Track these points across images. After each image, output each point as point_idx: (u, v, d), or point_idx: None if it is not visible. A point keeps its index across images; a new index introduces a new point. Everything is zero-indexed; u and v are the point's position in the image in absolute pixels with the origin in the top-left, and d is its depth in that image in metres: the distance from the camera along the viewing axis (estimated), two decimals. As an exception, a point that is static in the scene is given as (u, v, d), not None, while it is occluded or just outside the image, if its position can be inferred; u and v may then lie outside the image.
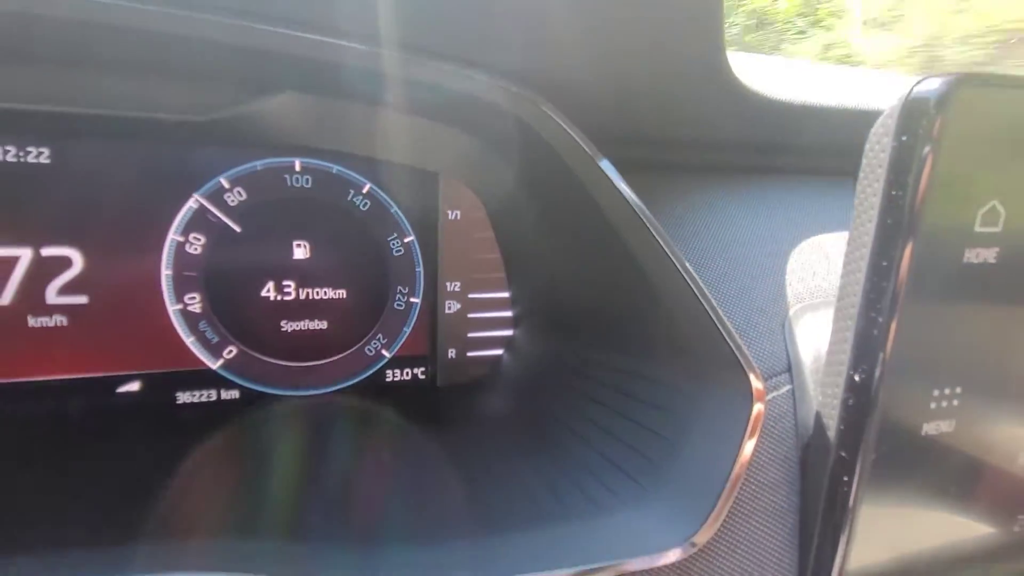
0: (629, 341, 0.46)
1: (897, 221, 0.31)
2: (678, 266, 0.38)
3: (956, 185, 0.31)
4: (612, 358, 0.48)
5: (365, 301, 0.53)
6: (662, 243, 0.38)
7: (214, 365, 0.50)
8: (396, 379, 0.56)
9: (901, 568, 0.38)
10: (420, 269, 0.54)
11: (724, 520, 0.37)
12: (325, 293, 0.52)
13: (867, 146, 0.33)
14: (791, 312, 0.44)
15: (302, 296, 0.51)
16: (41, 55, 0.39)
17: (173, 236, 0.47)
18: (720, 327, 0.37)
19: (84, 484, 0.40)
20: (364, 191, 0.51)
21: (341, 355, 0.53)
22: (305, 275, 0.51)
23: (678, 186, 0.52)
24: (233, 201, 0.48)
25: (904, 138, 0.31)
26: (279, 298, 0.50)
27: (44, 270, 0.45)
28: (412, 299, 0.54)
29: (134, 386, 0.48)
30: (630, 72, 0.44)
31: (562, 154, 0.41)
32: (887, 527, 0.37)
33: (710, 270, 0.45)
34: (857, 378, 0.34)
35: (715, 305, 0.38)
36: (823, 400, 0.37)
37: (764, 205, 0.52)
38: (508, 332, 0.58)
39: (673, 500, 0.38)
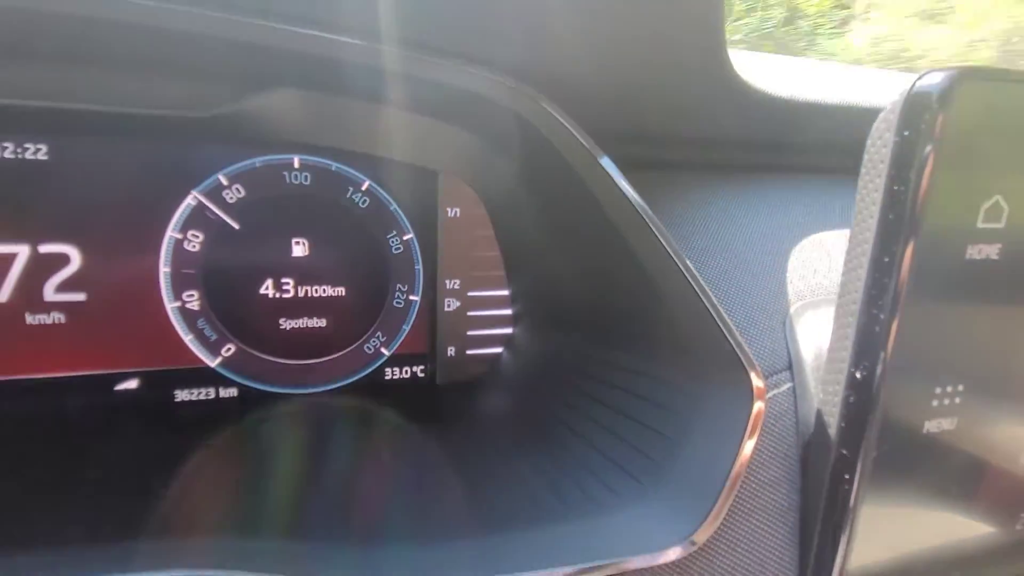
0: (629, 339, 0.46)
1: (899, 217, 0.31)
2: (679, 264, 0.38)
3: (958, 181, 0.31)
4: (612, 356, 0.48)
5: (364, 299, 0.53)
6: (663, 241, 0.38)
7: (212, 363, 0.50)
8: (395, 377, 0.55)
9: (902, 567, 0.38)
10: (419, 267, 0.54)
11: (724, 518, 0.37)
12: (324, 291, 0.52)
13: (869, 141, 0.33)
14: (792, 310, 0.44)
15: (301, 294, 0.51)
16: (39, 51, 0.39)
17: (171, 233, 0.47)
18: (721, 325, 0.37)
19: (82, 482, 0.40)
20: (363, 188, 0.51)
21: (340, 353, 0.53)
22: (304, 273, 0.51)
23: (679, 184, 0.52)
24: (232, 198, 0.48)
25: (906, 133, 0.31)
26: (278, 296, 0.50)
27: (42, 267, 0.44)
28: (411, 297, 0.54)
29: (132, 384, 0.48)
30: (631, 69, 0.44)
31: (562, 151, 0.41)
32: (888, 526, 0.36)
33: (711, 268, 0.45)
34: (858, 375, 0.34)
35: (716, 303, 0.37)
36: (824, 398, 0.37)
37: (765, 203, 0.51)
38: (508, 330, 0.57)
39: (673, 498, 0.38)
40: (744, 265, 0.46)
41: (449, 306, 0.55)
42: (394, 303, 0.54)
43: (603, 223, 0.41)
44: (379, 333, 0.54)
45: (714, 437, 0.38)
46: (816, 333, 0.41)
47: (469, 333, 0.56)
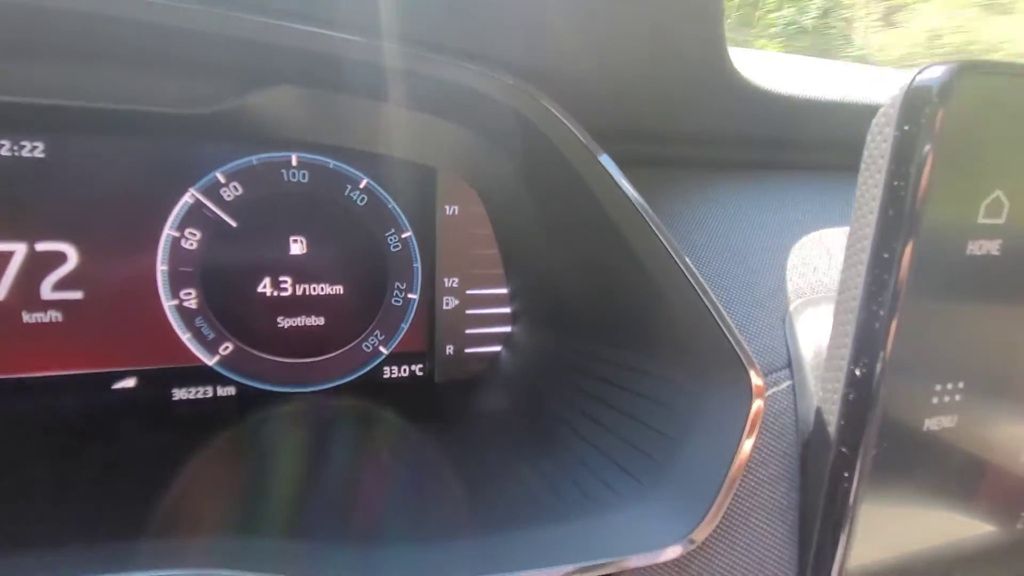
0: (628, 337, 0.46)
1: (899, 213, 0.31)
2: (678, 261, 0.37)
3: (959, 176, 0.31)
4: (611, 354, 0.47)
5: (362, 297, 0.53)
6: (662, 238, 0.38)
7: (210, 361, 0.49)
8: (394, 376, 0.55)
9: (902, 566, 0.38)
10: (418, 265, 0.54)
11: (723, 517, 0.37)
12: (322, 289, 0.51)
13: (869, 137, 0.33)
14: (791, 307, 0.43)
15: (299, 292, 0.51)
16: (37, 48, 0.38)
17: (169, 231, 0.47)
18: (720, 323, 0.37)
19: (80, 481, 0.40)
20: (361, 186, 0.51)
21: (338, 351, 0.53)
22: (302, 271, 0.51)
23: (678, 181, 0.52)
24: (229, 196, 0.48)
25: (906, 128, 0.31)
26: (276, 294, 0.50)
27: (38, 265, 0.44)
28: (410, 295, 0.54)
29: (130, 383, 0.48)
30: (630, 65, 0.43)
31: (561, 148, 0.41)
32: (888, 524, 0.36)
33: (710, 265, 0.45)
34: (858, 373, 0.33)
35: (715, 300, 0.37)
36: (824, 395, 0.37)
37: (765, 199, 0.51)
38: (506, 328, 0.57)
39: (672, 497, 0.38)
40: (744, 262, 0.46)
41: (448, 304, 0.55)
42: (392, 301, 0.54)
43: (602, 220, 0.41)
44: (377, 331, 0.54)
45: (713, 435, 0.38)
46: (816, 330, 0.41)
47: (468, 331, 0.56)
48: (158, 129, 0.45)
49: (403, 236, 0.53)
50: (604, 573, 0.34)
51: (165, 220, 0.47)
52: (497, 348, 0.57)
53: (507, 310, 0.57)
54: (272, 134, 0.47)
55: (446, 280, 0.55)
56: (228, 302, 0.49)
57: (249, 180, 0.48)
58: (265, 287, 0.50)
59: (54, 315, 0.45)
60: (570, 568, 0.34)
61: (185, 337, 0.49)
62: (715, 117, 0.51)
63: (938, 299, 0.32)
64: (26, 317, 0.45)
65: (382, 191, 0.52)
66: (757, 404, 0.36)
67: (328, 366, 0.53)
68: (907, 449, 0.34)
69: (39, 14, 0.33)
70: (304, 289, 0.51)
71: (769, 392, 0.40)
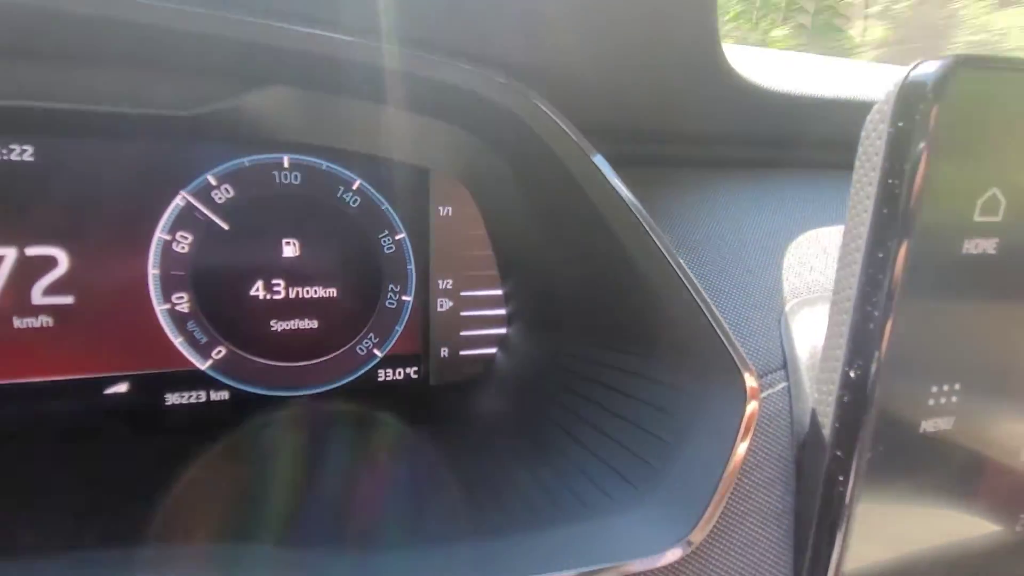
0: (623, 339, 0.45)
1: (893, 211, 0.30)
2: (671, 262, 0.37)
3: (954, 173, 0.30)
4: (606, 356, 0.47)
5: (356, 300, 0.53)
6: (655, 239, 0.37)
7: (203, 366, 0.49)
8: (388, 378, 0.55)
9: (898, 570, 0.37)
10: (412, 267, 0.53)
11: (718, 521, 0.36)
12: (315, 292, 0.51)
13: (863, 134, 0.32)
14: (787, 307, 0.43)
15: (292, 295, 0.50)
16: (24, 50, 0.38)
17: (160, 235, 0.47)
18: (714, 324, 0.36)
19: (72, 486, 0.40)
20: (354, 188, 0.51)
21: (332, 355, 0.53)
22: (295, 274, 0.50)
23: (674, 180, 0.51)
24: (221, 198, 0.48)
25: (900, 124, 0.30)
26: (268, 297, 0.50)
27: (29, 270, 0.44)
28: (404, 297, 0.54)
29: (122, 387, 0.48)
30: (624, 63, 0.43)
31: (554, 148, 0.40)
32: (884, 528, 0.36)
33: (706, 265, 0.44)
34: (852, 374, 0.33)
35: (709, 302, 0.37)
36: (819, 397, 0.36)
37: (761, 198, 0.51)
38: (501, 330, 0.57)
39: (667, 502, 0.37)
40: (740, 262, 0.45)
41: (442, 306, 0.55)
42: (386, 304, 0.53)
43: (595, 221, 0.41)
44: (372, 334, 0.53)
45: (708, 438, 0.37)
46: (812, 331, 0.40)
47: (462, 333, 0.56)
48: (149, 131, 0.44)
49: (397, 238, 0.52)
50: None
51: (156, 223, 0.46)
52: (492, 350, 0.57)
53: (502, 312, 0.56)
54: (264, 135, 0.46)
55: (440, 282, 0.54)
56: (221, 306, 0.49)
57: (241, 182, 0.48)
58: (258, 290, 0.50)
59: (45, 320, 0.45)
60: (566, 573, 0.34)
61: (177, 341, 0.48)
62: (711, 115, 0.51)
63: (934, 299, 0.32)
64: (17, 322, 0.44)
65: (375, 192, 0.51)
66: (752, 406, 0.36)
67: (322, 369, 0.53)
68: (903, 452, 0.34)
69: (29, 16, 0.33)
70: (297, 292, 0.51)
71: (764, 394, 0.39)
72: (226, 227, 0.48)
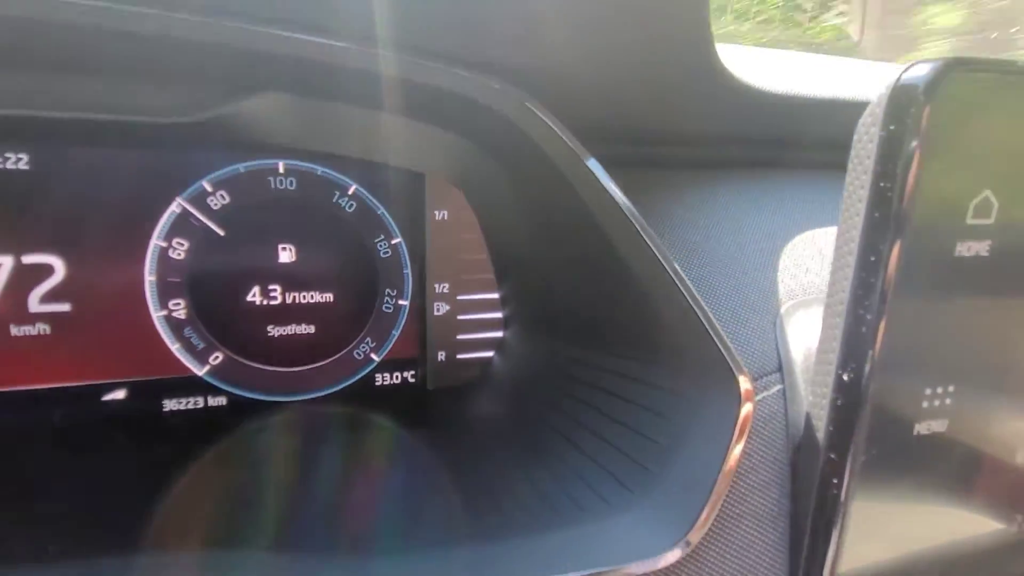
0: (619, 342, 0.45)
1: (885, 214, 0.30)
2: (665, 265, 0.37)
3: (946, 176, 0.30)
4: (603, 359, 0.47)
5: (353, 304, 0.53)
6: (649, 242, 0.37)
7: (200, 372, 0.49)
8: (386, 383, 0.55)
9: (893, 571, 0.37)
10: (408, 271, 0.53)
11: (713, 524, 0.36)
12: (312, 297, 0.51)
13: (855, 136, 0.32)
14: (783, 309, 0.43)
15: (288, 300, 0.50)
16: (18, 59, 0.38)
17: (156, 241, 0.47)
18: (708, 327, 0.36)
19: (70, 494, 0.40)
20: (350, 193, 0.51)
21: (329, 359, 0.53)
22: (291, 279, 0.50)
23: (668, 182, 0.51)
24: (216, 205, 0.48)
25: (892, 127, 0.30)
26: (265, 303, 0.50)
27: (26, 278, 0.44)
28: (400, 301, 0.54)
29: (119, 394, 0.48)
30: (617, 65, 0.43)
31: (548, 152, 0.40)
32: (879, 531, 0.36)
33: (700, 267, 0.44)
34: (846, 377, 0.33)
35: (703, 304, 0.37)
36: (813, 400, 0.36)
37: (756, 200, 0.51)
38: (498, 333, 0.57)
39: (662, 505, 0.37)
40: (735, 263, 0.45)
41: (439, 310, 0.55)
42: (383, 308, 0.53)
43: (589, 224, 0.41)
44: (368, 339, 0.54)
45: (703, 441, 0.37)
46: (806, 333, 0.40)
47: (459, 337, 0.56)
48: (144, 139, 0.45)
49: (393, 242, 0.53)
50: None
51: (152, 230, 0.46)
52: (489, 353, 0.57)
53: (499, 315, 0.57)
54: (259, 141, 0.46)
55: (437, 286, 0.54)
56: (217, 312, 0.49)
57: (236, 188, 0.48)
58: (254, 296, 0.50)
59: (42, 328, 0.45)
60: (559, 577, 0.34)
61: (175, 348, 0.48)
62: (705, 115, 0.51)
63: (927, 302, 0.32)
64: (14, 330, 0.45)
65: (371, 197, 0.51)
66: (746, 409, 0.36)
67: (319, 374, 0.53)
68: (897, 454, 0.34)
69: (23, 25, 0.33)
70: (294, 297, 0.51)
71: (759, 397, 0.39)
72: (222, 233, 0.48)
